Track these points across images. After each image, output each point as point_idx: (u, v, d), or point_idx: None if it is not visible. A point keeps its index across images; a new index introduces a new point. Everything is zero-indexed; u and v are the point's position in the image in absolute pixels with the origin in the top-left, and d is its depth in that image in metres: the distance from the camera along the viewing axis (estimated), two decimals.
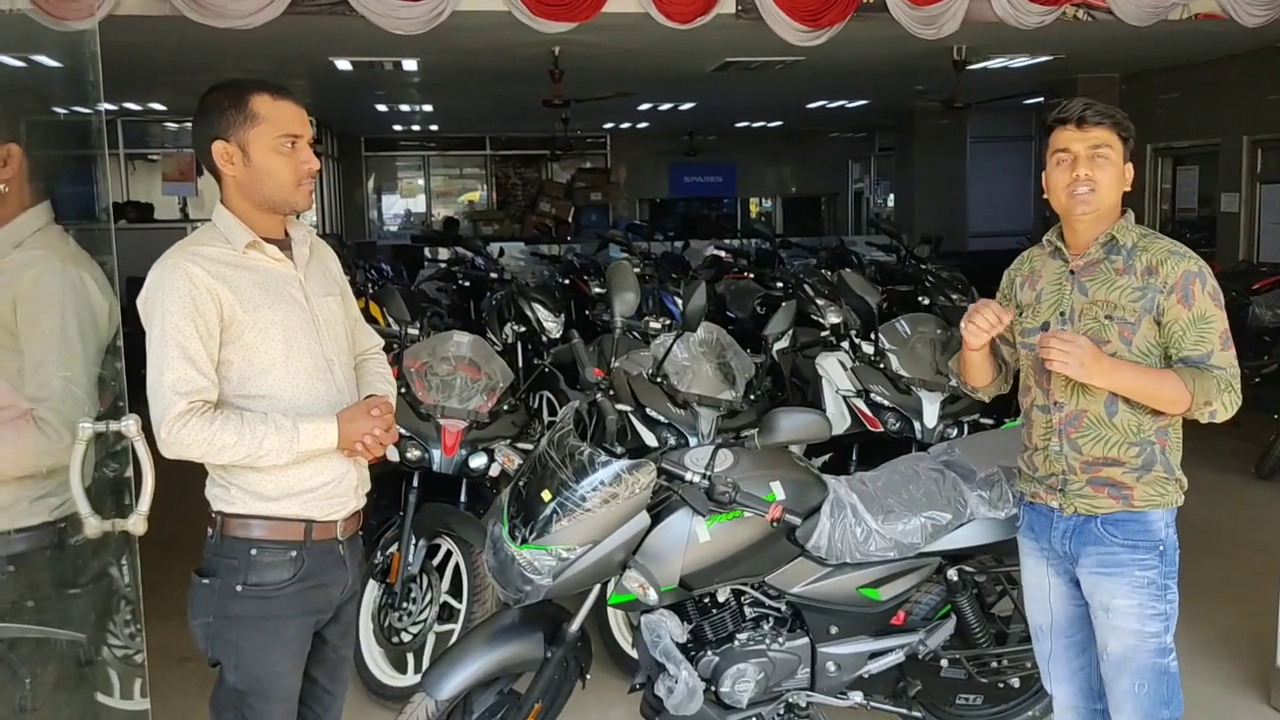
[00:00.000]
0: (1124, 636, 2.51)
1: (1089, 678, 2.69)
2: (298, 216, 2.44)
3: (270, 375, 2.27)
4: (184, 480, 2.74)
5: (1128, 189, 2.54)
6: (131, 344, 2.28)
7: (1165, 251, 2.47)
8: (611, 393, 3.22)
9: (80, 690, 2.46)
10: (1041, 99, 11.93)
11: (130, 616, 2.57)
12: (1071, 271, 2.56)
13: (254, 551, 2.27)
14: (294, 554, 2.30)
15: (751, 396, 4.28)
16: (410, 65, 9.41)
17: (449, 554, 3.90)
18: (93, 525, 2.09)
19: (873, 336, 4.60)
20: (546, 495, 2.77)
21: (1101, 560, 2.51)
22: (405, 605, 3.82)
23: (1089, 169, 2.47)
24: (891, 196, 17.68)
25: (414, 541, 3.85)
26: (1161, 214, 11.13)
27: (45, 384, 2.19)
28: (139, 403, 2.19)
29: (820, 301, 6.44)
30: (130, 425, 2.07)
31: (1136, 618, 2.49)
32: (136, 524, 2.11)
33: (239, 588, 2.26)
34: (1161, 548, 2.50)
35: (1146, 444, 2.48)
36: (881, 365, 4.50)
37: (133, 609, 2.52)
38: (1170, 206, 11.26)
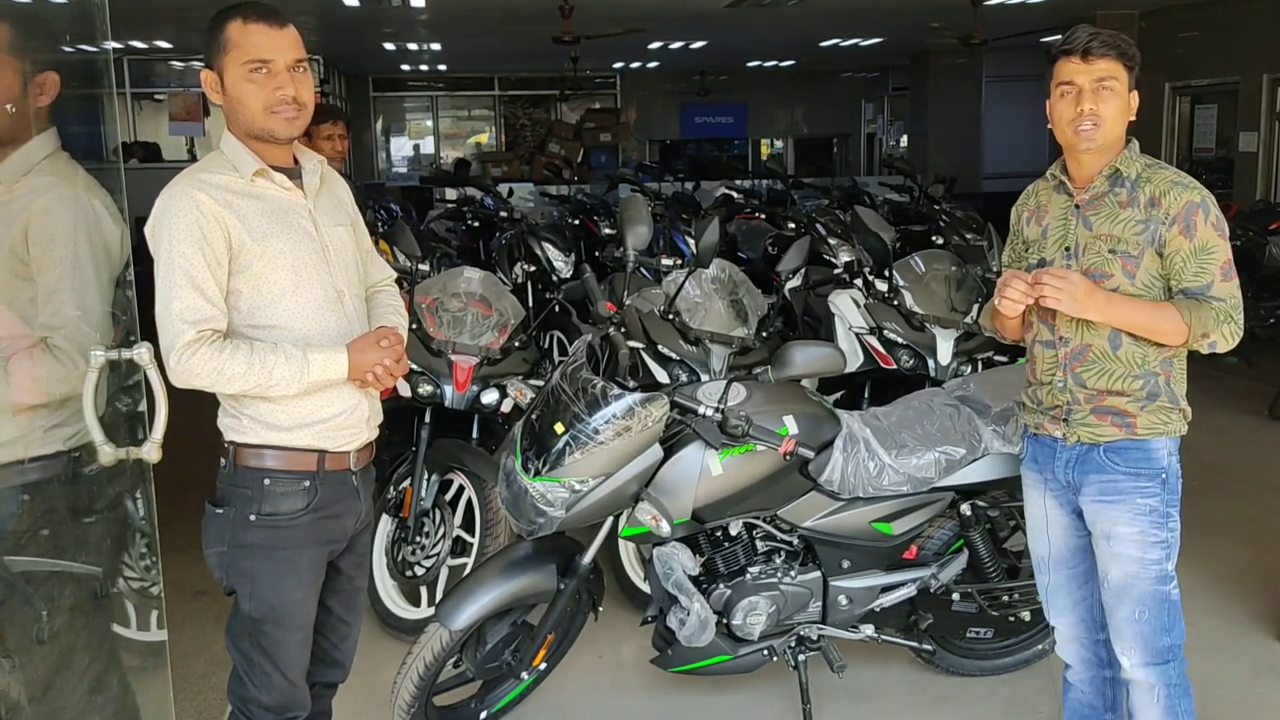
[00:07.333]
0: (1125, 564, 2.52)
1: (1090, 608, 2.71)
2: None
3: (279, 305, 2.25)
4: (199, 415, 2.74)
5: (1133, 119, 2.51)
6: (142, 281, 2.26)
7: (1168, 183, 2.45)
8: (623, 329, 3.19)
9: (96, 621, 2.47)
10: (1059, 37, 11.73)
11: (146, 549, 2.57)
12: (1077, 205, 2.54)
13: (267, 481, 2.27)
14: (307, 484, 2.29)
15: (764, 334, 4.26)
16: (418, 1, 9.28)
17: (461, 489, 3.92)
18: (107, 453, 2.08)
19: (887, 273, 4.55)
20: (559, 428, 2.77)
21: (1103, 488, 2.52)
22: (418, 539, 3.84)
23: (1093, 103, 2.44)
24: (905, 137, 17.48)
25: (426, 476, 3.87)
26: (1178, 154, 10.99)
27: (59, 311, 2.17)
28: (151, 337, 2.17)
29: (833, 241, 6.36)
30: (143, 353, 2.05)
31: (1138, 545, 2.50)
32: (151, 451, 2.10)
33: (253, 517, 2.26)
34: (1164, 476, 2.50)
35: (1151, 376, 2.48)
36: (895, 302, 4.46)
37: (148, 541, 2.52)
38: (1187, 146, 11.10)
